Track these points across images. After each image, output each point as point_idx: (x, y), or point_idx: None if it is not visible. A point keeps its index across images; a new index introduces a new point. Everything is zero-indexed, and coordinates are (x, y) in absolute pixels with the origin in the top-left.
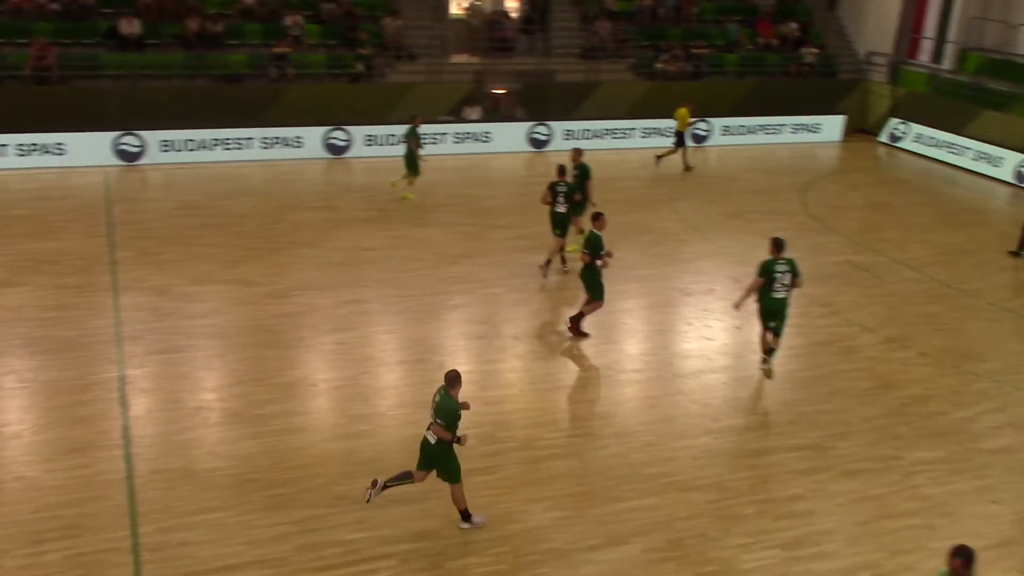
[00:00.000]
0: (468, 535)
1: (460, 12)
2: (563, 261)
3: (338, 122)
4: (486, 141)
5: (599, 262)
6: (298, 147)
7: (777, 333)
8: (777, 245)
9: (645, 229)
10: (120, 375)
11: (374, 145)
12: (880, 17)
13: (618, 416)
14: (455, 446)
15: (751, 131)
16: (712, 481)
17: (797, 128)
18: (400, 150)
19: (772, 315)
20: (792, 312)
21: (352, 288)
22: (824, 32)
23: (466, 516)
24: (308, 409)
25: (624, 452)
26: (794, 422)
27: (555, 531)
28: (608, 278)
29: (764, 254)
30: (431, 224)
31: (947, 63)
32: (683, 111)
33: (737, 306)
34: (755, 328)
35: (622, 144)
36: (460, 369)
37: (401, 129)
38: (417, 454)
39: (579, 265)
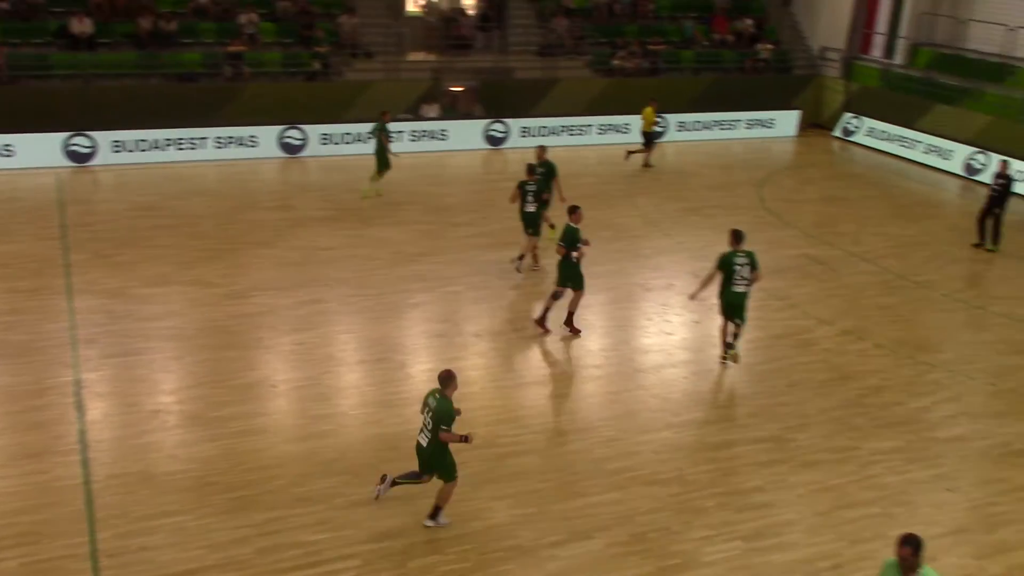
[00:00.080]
0: (432, 533)
1: (417, 9)
2: (535, 260)
3: (294, 121)
4: (443, 139)
5: (575, 254)
6: (253, 146)
7: (738, 324)
8: (736, 237)
9: (604, 225)
10: (75, 379)
11: (329, 144)
12: (833, 13)
13: (580, 412)
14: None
15: (707, 127)
16: (673, 475)
17: (752, 123)
18: (369, 147)
19: (733, 309)
20: (750, 305)
21: (311, 288)
22: (779, 28)
23: (436, 513)
24: (268, 410)
25: (586, 447)
26: (754, 415)
27: (519, 528)
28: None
29: (723, 248)
30: (389, 223)
31: (899, 58)
32: (648, 110)
33: (693, 297)
34: (715, 322)
35: (579, 141)
36: (420, 368)
37: (357, 127)
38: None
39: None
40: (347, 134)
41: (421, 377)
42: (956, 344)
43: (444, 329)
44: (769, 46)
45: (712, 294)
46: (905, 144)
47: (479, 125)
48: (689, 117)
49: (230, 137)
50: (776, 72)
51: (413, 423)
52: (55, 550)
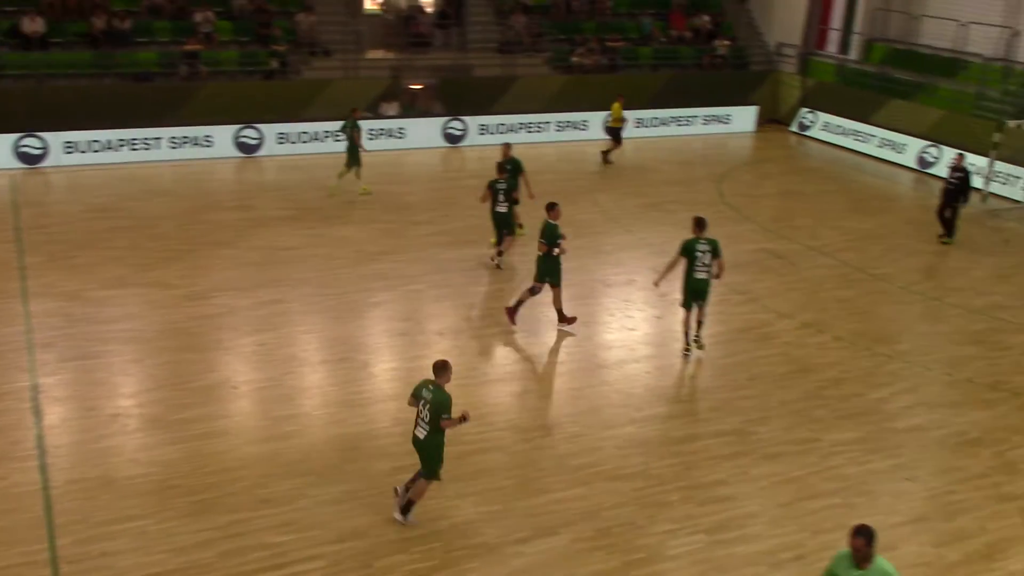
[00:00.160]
0: (399, 532)
1: (375, 7)
2: (499, 255)
3: (253, 120)
4: (400, 137)
5: (555, 250)
6: (208, 146)
7: (701, 308)
8: (699, 224)
9: (565, 222)
10: (32, 384)
11: (286, 143)
12: (788, 9)
13: (543, 408)
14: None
15: (664, 123)
16: (637, 469)
17: (708, 119)
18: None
19: (696, 295)
20: (711, 300)
21: (272, 288)
22: (735, 24)
23: (407, 509)
24: (230, 412)
25: (550, 444)
26: (715, 408)
27: (484, 525)
28: (529, 273)
29: None
30: (350, 221)
31: (854, 54)
32: (616, 105)
33: (657, 283)
34: (676, 316)
35: (537, 138)
36: (383, 367)
37: (314, 126)
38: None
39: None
40: (304, 133)
41: (384, 376)
42: (913, 335)
43: (406, 328)
44: (726, 42)
45: (674, 289)
46: (859, 138)
47: (437, 123)
48: (647, 114)
49: (185, 137)
50: (733, 68)
51: (377, 422)
52: (13, 557)
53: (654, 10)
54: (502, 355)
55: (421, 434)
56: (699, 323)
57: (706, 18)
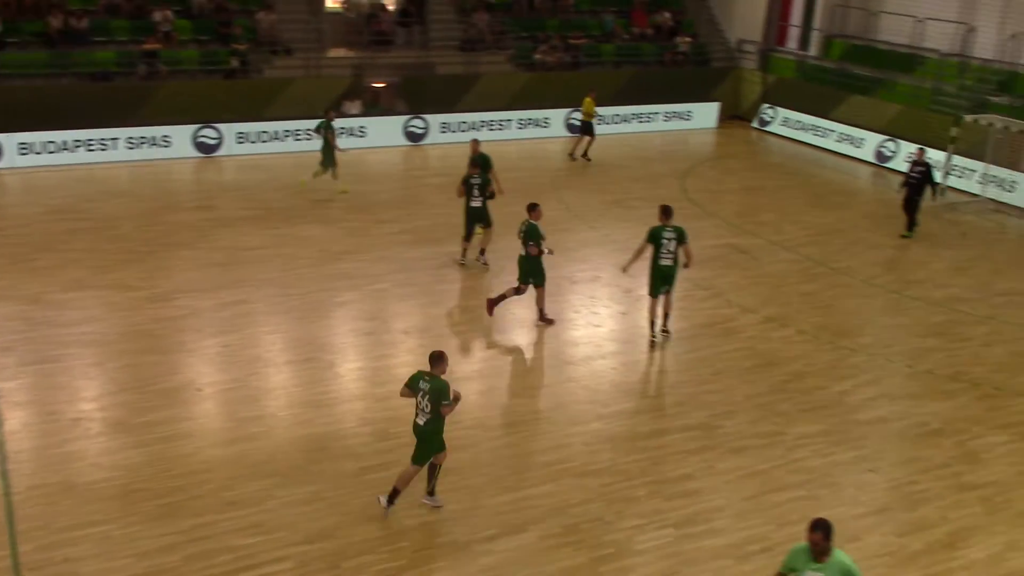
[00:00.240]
0: (366, 532)
1: (336, 5)
2: (463, 254)
3: (213, 120)
4: (361, 136)
5: (541, 251)
6: (166, 146)
7: (667, 295)
8: (665, 212)
9: None
10: None
11: (246, 143)
12: (749, 6)
13: (510, 406)
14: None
15: (626, 120)
16: (605, 465)
17: (670, 116)
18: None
19: (662, 280)
20: (676, 296)
21: (235, 289)
22: (697, 21)
23: (394, 497)
24: (194, 414)
25: (517, 441)
26: (681, 403)
27: (452, 524)
28: (495, 270)
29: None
30: (313, 221)
31: (813, 50)
32: (588, 100)
33: (625, 269)
34: (641, 313)
35: (499, 136)
36: (349, 366)
37: (274, 125)
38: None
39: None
40: (264, 132)
41: (350, 376)
42: (875, 328)
43: (372, 327)
44: (687, 39)
45: (640, 284)
46: (819, 133)
47: (399, 122)
48: (608, 110)
49: (142, 137)
50: (695, 65)
51: (343, 422)
52: None
53: (616, 7)
54: (469, 353)
55: (422, 420)
56: (666, 315)
57: (667, 15)
